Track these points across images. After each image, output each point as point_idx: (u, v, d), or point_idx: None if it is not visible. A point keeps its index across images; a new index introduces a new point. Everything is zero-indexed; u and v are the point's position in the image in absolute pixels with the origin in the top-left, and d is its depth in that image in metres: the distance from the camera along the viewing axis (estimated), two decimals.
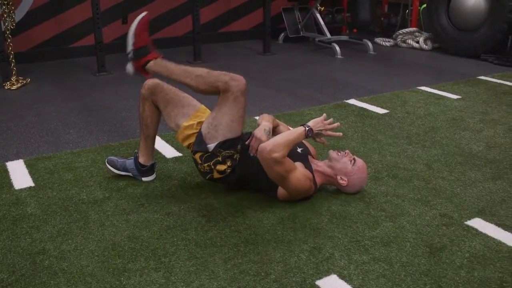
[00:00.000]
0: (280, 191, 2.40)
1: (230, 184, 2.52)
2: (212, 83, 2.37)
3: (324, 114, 2.47)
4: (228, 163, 2.42)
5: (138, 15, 2.59)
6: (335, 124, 2.46)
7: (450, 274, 1.93)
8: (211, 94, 2.42)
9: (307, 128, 2.37)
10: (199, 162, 2.44)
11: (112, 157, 2.75)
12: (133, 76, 2.66)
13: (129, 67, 2.55)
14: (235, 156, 2.42)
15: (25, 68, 5.17)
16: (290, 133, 2.36)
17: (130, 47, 2.50)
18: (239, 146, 2.43)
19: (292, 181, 2.31)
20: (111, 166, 2.71)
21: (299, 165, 2.39)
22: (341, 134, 2.51)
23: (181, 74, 2.45)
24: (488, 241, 2.15)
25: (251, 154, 2.41)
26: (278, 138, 2.30)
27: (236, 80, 2.36)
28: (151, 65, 2.49)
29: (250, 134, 2.51)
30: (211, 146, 2.39)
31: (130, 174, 2.69)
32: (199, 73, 2.41)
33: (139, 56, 2.50)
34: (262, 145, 2.28)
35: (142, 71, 2.53)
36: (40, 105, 4.08)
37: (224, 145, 2.39)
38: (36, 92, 4.48)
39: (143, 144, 2.65)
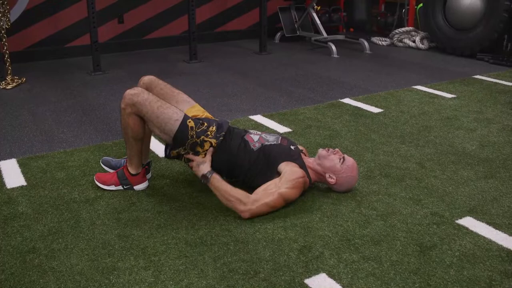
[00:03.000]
0: None
1: (220, 173, 2.47)
2: (125, 119, 2.40)
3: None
4: (202, 149, 2.40)
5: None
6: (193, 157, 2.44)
7: (440, 272, 1.93)
8: (139, 127, 2.42)
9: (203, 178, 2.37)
10: (186, 163, 2.48)
11: (106, 157, 2.75)
12: None
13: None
14: (203, 139, 2.39)
15: (20, 67, 5.17)
16: (230, 188, 2.33)
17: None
18: (193, 133, 2.39)
19: (286, 200, 2.34)
20: (106, 166, 2.70)
21: (292, 165, 2.39)
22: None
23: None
24: (478, 240, 2.15)
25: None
26: (232, 198, 2.29)
27: (122, 102, 2.38)
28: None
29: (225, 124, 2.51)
30: (170, 150, 2.41)
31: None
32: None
33: (127, 183, 2.57)
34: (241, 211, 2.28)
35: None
36: (35, 105, 4.08)
37: (175, 144, 2.39)
38: (31, 92, 4.48)
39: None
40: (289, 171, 2.36)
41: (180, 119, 2.38)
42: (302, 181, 2.38)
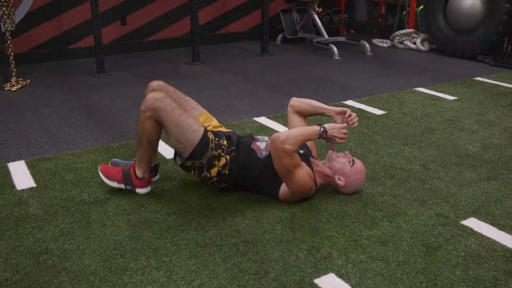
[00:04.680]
0: (282, 190, 2.44)
1: (231, 183, 2.54)
2: (142, 122, 2.42)
3: (345, 124, 2.51)
4: (218, 163, 2.43)
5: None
6: (346, 136, 2.51)
7: (446, 272, 1.97)
8: (156, 132, 2.44)
9: (322, 129, 2.42)
10: (197, 175, 2.49)
11: (115, 159, 2.78)
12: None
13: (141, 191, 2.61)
14: (220, 154, 2.43)
15: (24, 69, 5.20)
16: (304, 129, 2.45)
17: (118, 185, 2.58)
18: (213, 145, 2.42)
19: (297, 177, 2.36)
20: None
21: (303, 164, 2.44)
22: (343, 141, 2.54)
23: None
24: (483, 240, 2.19)
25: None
26: (292, 131, 2.40)
27: (143, 105, 2.40)
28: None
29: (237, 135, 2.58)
30: (185, 160, 2.43)
31: None
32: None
33: (130, 183, 2.57)
34: (275, 134, 2.35)
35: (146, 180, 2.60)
36: (40, 106, 4.11)
37: (193, 155, 2.40)
38: (36, 93, 4.51)
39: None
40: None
41: (200, 130, 2.41)
42: (311, 182, 2.44)
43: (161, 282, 1.90)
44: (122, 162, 2.75)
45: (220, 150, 2.44)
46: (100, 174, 2.59)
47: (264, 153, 2.49)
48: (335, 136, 2.45)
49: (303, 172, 2.39)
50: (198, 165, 2.43)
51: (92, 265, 2.01)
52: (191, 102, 2.64)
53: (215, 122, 2.69)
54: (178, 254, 2.08)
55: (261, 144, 2.54)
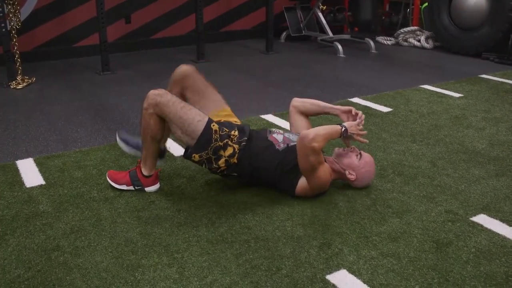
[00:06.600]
0: (300, 186, 2.44)
1: (243, 176, 2.52)
2: (146, 119, 2.44)
3: (358, 120, 2.53)
4: (224, 153, 2.41)
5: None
6: (364, 132, 2.54)
7: (457, 268, 1.97)
8: (159, 128, 2.45)
9: (343, 128, 2.44)
10: (208, 167, 2.48)
11: (125, 135, 2.80)
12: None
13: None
14: (227, 143, 2.40)
15: (29, 67, 5.19)
16: (329, 127, 2.44)
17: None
18: (217, 136, 2.39)
19: (319, 174, 2.39)
20: (123, 142, 2.77)
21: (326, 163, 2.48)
22: (367, 141, 2.60)
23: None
24: (493, 237, 2.19)
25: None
26: (319, 130, 2.38)
27: (145, 102, 2.42)
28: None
29: (247, 126, 2.56)
30: (193, 152, 2.42)
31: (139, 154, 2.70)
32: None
33: (139, 184, 2.59)
34: (304, 132, 2.35)
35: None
36: (46, 104, 4.12)
37: (198, 146, 2.39)
38: (42, 91, 4.52)
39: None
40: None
41: (204, 120, 2.40)
42: (330, 177, 2.49)
43: (174, 278, 1.91)
44: (130, 140, 2.76)
45: (227, 140, 2.41)
46: (108, 180, 2.61)
47: (282, 145, 2.48)
48: (354, 134, 2.48)
49: (324, 168, 2.42)
50: (206, 157, 2.42)
51: (104, 261, 2.01)
52: (215, 95, 2.64)
53: (235, 119, 2.68)
54: (190, 250, 2.08)
55: (278, 137, 2.53)
